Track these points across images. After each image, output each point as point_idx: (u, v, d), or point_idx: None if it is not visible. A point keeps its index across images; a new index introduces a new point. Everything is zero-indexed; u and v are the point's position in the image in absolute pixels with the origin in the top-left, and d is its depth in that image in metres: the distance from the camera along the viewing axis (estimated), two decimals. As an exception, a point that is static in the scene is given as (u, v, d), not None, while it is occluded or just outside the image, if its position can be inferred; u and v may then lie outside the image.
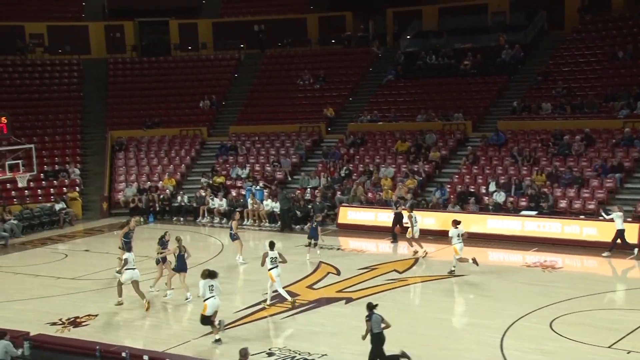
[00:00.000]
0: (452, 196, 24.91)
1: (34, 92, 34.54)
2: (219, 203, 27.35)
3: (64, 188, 29.71)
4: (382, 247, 22.85)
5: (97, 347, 12.40)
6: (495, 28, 33.46)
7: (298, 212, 25.49)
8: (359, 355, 13.44)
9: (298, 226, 25.29)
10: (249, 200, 26.81)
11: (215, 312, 14.38)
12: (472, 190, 25.03)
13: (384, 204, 25.24)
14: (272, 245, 16.43)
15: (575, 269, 20.16)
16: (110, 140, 32.29)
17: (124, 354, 12.03)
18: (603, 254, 20.21)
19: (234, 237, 20.92)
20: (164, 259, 17.88)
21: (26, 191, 28.75)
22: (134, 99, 35.25)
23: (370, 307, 12.52)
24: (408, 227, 21.05)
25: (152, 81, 36.36)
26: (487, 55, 32.13)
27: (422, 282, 18.41)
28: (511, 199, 24.02)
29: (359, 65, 35.15)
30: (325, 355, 13.43)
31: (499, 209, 23.72)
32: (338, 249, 22.60)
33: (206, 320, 14.24)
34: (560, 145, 25.86)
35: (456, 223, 18.95)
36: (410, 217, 21.02)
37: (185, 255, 17.50)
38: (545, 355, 13.15)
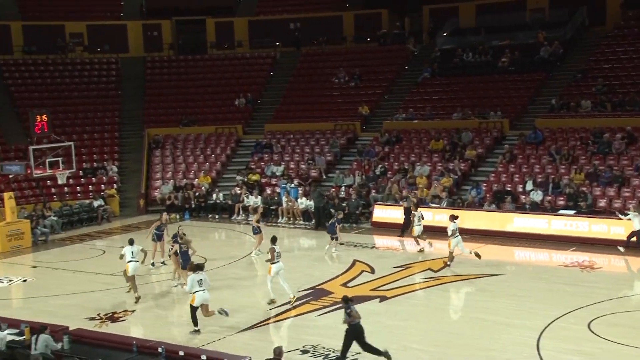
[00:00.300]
0: (487, 195, 24.65)
1: (73, 91, 35.06)
2: (254, 200, 27.46)
3: (102, 185, 30.12)
4: (416, 245, 22.65)
5: (134, 342, 12.50)
6: (534, 25, 32.97)
7: (332, 210, 25.44)
8: (394, 353, 13.37)
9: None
10: (284, 198, 26.87)
11: (205, 305, 14.80)
12: (509, 189, 24.74)
13: (419, 202, 25.04)
14: (274, 240, 16.73)
15: (615, 270, 19.79)
16: (147, 138, 32.65)
17: (160, 349, 12.10)
18: (619, 248, 20.15)
19: (255, 231, 21.41)
20: (176, 252, 18.36)
21: (65, 188, 29.19)
22: (170, 97, 35.58)
23: (346, 299, 12.94)
24: (414, 225, 21.15)
25: (189, 79, 36.65)
26: (525, 53, 31.70)
27: (457, 281, 18.22)
28: (549, 198, 23.68)
29: (394, 63, 34.97)
30: (359, 353, 13.37)
31: (536, 208, 23.41)
32: (372, 247, 22.53)
33: (193, 310, 14.76)
34: (600, 144, 25.40)
35: (453, 218, 19.34)
36: (413, 215, 21.28)
37: (190, 250, 18.01)
38: (583, 356, 12.94)
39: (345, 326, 12.80)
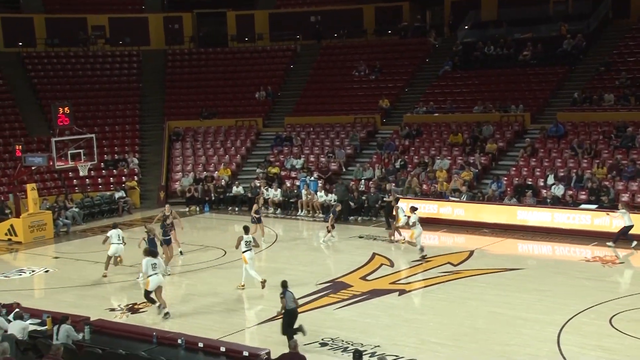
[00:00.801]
0: (508, 189, 24.50)
1: (95, 83, 35.26)
2: (273, 193, 27.50)
3: (123, 177, 30.31)
4: (436, 239, 22.62)
5: (154, 334, 12.57)
6: (557, 17, 32.64)
7: (352, 204, 25.43)
8: (413, 347, 13.38)
9: (352, 217, 25.24)
10: (303, 191, 26.88)
11: (159, 288, 15.46)
12: (530, 182, 24.55)
13: (439, 196, 25.00)
14: (246, 230, 17.32)
15: (637, 264, 19.59)
16: (168, 131, 32.79)
17: (179, 341, 12.17)
18: (608, 244, 20.35)
19: (253, 221, 21.69)
20: (168, 242, 19.10)
21: (87, 180, 29.43)
22: (191, 89, 35.67)
23: (284, 284, 13.60)
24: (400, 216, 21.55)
25: (209, 72, 36.73)
26: (547, 46, 31.36)
27: (477, 275, 18.12)
28: (570, 192, 23.46)
29: (415, 56, 34.79)
30: (378, 346, 13.37)
31: (558, 203, 23.22)
32: (391, 240, 22.46)
33: (147, 294, 15.45)
34: (623, 138, 25.11)
35: (413, 209, 20.26)
36: (396, 208, 21.76)
37: (155, 238, 18.50)
38: (604, 352, 12.82)
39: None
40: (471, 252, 20.30)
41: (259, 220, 22.01)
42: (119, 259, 19.17)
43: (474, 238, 22.27)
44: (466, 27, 34.57)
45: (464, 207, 24.07)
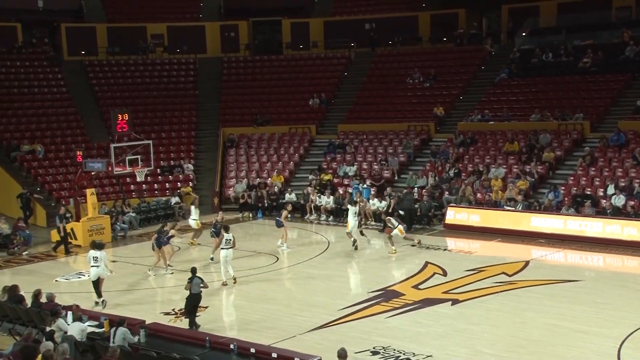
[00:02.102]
0: (566, 198, 23.98)
1: (153, 90, 35.95)
2: (325, 200, 27.53)
3: (178, 183, 30.77)
4: (490, 248, 22.29)
5: (207, 338, 12.72)
6: (620, 24, 31.87)
7: (401, 212, 25.24)
8: (466, 357, 13.21)
9: (404, 226, 25.04)
10: (356, 199, 26.79)
11: (100, 279, 16.92)
12: (589, 192, 23.98)
13: (494, 205, 24.64)
14: (227, 229, 18.62)
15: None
16: (222, 137, 33.19)
17: (232, 346, 12.28)
18: None
19: (279, 224, 22.56)
20: (159, 245, 19.81)
21: (144, 185, 29.98)
22: (245, 96, 36.04)
23: (193, 271, 15.29)
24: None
25: (264, 79, 37.06)
26: (609, 53, 30.65)
27: (532, 285, 17.76)
28: (632, 202, 22.81)
29: (470, 64, 34.44)
30: (430, 356, 13.23)
31: (618, 213, 22.59)
32: (445, 249, 22.25)
33: (94, 284, 16.96)
34: (686, 147, 24.36)
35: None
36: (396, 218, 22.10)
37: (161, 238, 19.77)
38: (666, 369, 12.43)
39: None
40: (526, 263, 19.92)
41: (282, 224, 22.61)
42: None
43: (529, 248, 21.87)
44: (524, 34, 34.06)
45: (518, 217, 23.65)
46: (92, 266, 16.95)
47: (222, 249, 18.46)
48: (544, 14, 34.52)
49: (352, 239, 22.17)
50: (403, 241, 21.94)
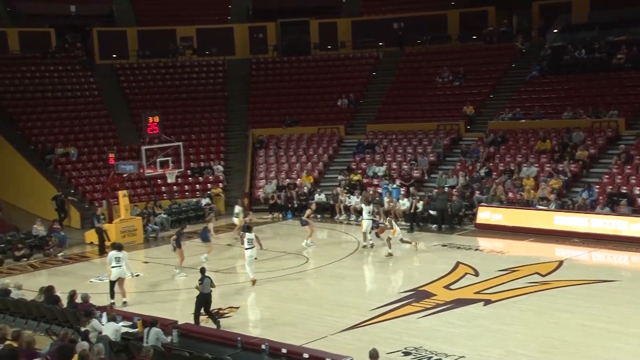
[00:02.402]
0: (600, 197, 23.64)
1: (182, 92, 36.21)
2: (355, 201, 27.49)
3: (209, 184, 30.96)
4: (523, 248, 22.06)
5: (239, 339, 12.78)
6: (654, 18, 31.35)
7: (433, 212, 25.12)
8: (499, 358, 13.10)
9: (434, 225, 24.95)
10: (385, 199, 26.74)
11: (120, 279, 17.32)
12: (624, 191, 23.60)
13: (526, 205, 24.39)
14: (249, 229, 19.07)
15: None
16: (252, 138, 33.32)
17: (263, 346, 12.32)
18: None
19: (303, 223, 23.12)
20: (179, 245, 20.26)
21: (174, 187, 30.22)
22: (274, 97, 36.14)
23: (202, 271, 15.59)
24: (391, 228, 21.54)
25: (292, 80, 37.14)
26: (643, 48, 30.16)
27: (567, 286, 17.53)
28: (668, 201, 22.45)
29: (501, 62, 34.11)
30: (463, 357, 13.14)
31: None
32: (476, 249, 22.08)
33: (111, 284, 17.36)
34: None
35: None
36: (390, 220, 21.81)
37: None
38: None
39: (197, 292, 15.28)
40: (560, 262, 19.69)
41: (306, 223, 23.03)
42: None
43: (563, 248, 21.61)
44: (555, 30, 33.64)
45: (551, 216, 23.38)
46: (113, 267, 17.35)
47: (246, 249, 18.71)
48: (576, 10, 34.04)
49: (369, 239, 22.33)
50: (441, 241, 21.80)
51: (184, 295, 18.30)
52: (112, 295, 17.48)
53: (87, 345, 11.00)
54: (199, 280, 15.41)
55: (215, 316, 15.63)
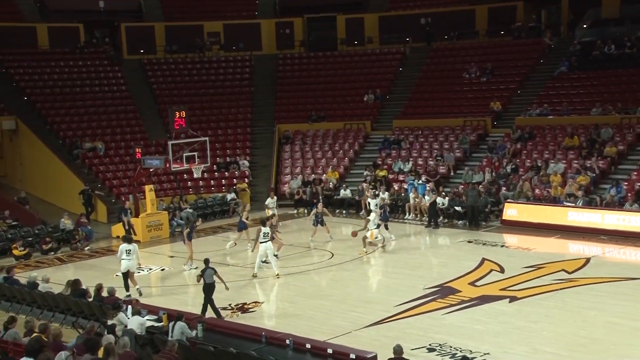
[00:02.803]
0: (629, 194, 23.32)
1: (209, 88, 36.37)
2: (381, 197, 27.36)
3: (234, 179, 31.08)
4: (549, 245, 21.84)
5: (263, 333, 12.82)
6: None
7: (459, 208, 24.95)
8: (525, 356, 13.00)
9: (460, 222, 24.80)
10: (411, 195, 26.64)
11: (130, 272, 17.66)
12: (653, 188, 23.27)
13: (553, 201, 24.14)
14: (263, 223, 19.17)
15: None
16: (278, 134, 33.37)
17: (287, 341, 12.35)
18: None
19: (316, 222, 23.01)
20: (189, 238, 20.50)
21: (200, 182, 30.38)
22: (300, 93, 36.17)
23: (206, 262, 15.88)
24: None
25: (319, 76, 37.11)
26: (675, 44, 29.66)
27: (594, 283, 17.34)
28: (698, 198, 22.07)
29: (529, 57, 33.76)
30: (488, 354, 13.05)
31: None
32: (502, 245, 21.91)
33: (124, 276, 17.72)
34: None
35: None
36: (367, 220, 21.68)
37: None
38: None
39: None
40: (587, 260, 19.47)
41: (321, 223, 22.95)
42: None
43: (590, 245, 21.36)
44: (585, 25, 33.21)
45: (579, 213, 23.12)
46: (123, 259, 17.70)
47: (261, 242, 18.97)
48: (607, 5, 33.55)
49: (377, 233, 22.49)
50: (466, 237, 21.66)
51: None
52: (126, 288, 17.72)
53: (113, 338, 11.11)
54: (201, 271, 15.83)
55: (217, 308, 15.74)
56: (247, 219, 22.71)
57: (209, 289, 15.58)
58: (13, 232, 24.22)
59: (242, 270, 19.84)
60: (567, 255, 20.37)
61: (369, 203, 24.44)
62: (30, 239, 23.90)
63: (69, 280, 16.25)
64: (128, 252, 17.73)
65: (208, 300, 15.54)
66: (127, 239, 18.33)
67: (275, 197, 26.07)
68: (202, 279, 15.69)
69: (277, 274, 18.95)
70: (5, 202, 27.51)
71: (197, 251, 21.98)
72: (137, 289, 17.85)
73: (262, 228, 19.02)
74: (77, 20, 37.36)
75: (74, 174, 29.55)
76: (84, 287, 15.91)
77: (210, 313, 15.38)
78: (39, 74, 34.51)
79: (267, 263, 19.54)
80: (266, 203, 25.69)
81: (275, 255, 20.34)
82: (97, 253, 23.31)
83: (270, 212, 24.79)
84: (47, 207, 29.00)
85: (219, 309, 15.65)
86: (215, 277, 15.67)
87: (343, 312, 16.03)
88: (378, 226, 21.51)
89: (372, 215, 22.04)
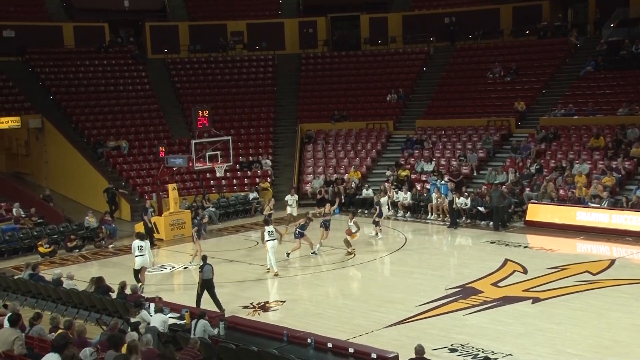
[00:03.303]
0: (655, 196, 23.01)
1: (232, 87, 36.50)
2: (403, 196, 27.34)
3: (257, 178, 31.16)
4: (573, 246, 21.63)
5: (285, 332, 12.84)
6: None
7: (482, 209, 24.79)
8: (548, 357, 12.89)
9: (483, 222, 24.64)
10: (434, 195, 26.52)
11: (143, 268, 17.87)
12: (680, 189, 22.94)
13: (577, 202, 23.89)
14: (266, 222, 20.01)
15: None
16: (300, 133, 33.40)
17: (309, 340, 12.36)
18: None
19: (328, 223, 22.01)
20: (199, 236, 20.89)
21: (223, 181, 30.50)
22: (323, 92, 36.17)
23: (204, 259, 16.22)
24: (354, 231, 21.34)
25: (342, 75, 37.06)
26: None
27: (618, 285, 17.13)
28: None
29: (554, 57, 33.44)
30: (510, 355, 12.96)
31: None
32: (525, 246, 21.74)
33: (135, 272, 17.78)
34: None
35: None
36: (356, 222, 21.38)
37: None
38: None
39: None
40: (612, 261, 19.25)
41: (327, 227, 21.94)
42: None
43: (615, 246, 21.12)
44: (612, 25, 32.82)
45: (604, 214, 22.86)
46: (137, 255, 17.91)
47: (267, 240, 19.18)
48: (635, 4, 33.08)
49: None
50: (489, 238, 21.46)
51: (229, 287, 18.46)
52: (138, 281, 17.75)
53: (136, 335, 11.19)
54: (200, 268, 16.14)
55: (219, 302, 16.04)
56: (270, 212, 22.84)
57: (205, 285, 15.98)
58: (39, 230, 24.52)
59: (262, 269, 19.87)
60: (591, 256, 20.17)
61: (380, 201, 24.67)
62: (55, 236, 24.15)
63: (93, 277, 16.41)
64: (140, 248, 17.98)
65: (200, 292, 16.03)
66: (140, 236, 18.60)
67: (295, 195, 26.08)
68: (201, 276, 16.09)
69: (268, 269, 19.29)
70: (31, 199, 27.86)
71: (216, 249, 22.17)
72: (141, 286, 17.80)
73: (266, 227, 19.44)
74: (102, 19, 37.72)
75: (98, 172, 29.84)
76: (107, 284, 16.06)
77: (213, 308, 15.43)
78: (65, 73, 34.89)
79: (288, 257, 19.99)
80: (285, 199, 25.83)
81: (287, 254, 20.50)
82: (120, 251, 23.50)
83: (288, 210, 24.92)
84: (71, 205, 29.32)
85: (221, 303, 15.91)
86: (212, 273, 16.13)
87: (365, 312, 16.01)
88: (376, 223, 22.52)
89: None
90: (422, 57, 36.98)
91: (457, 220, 24.76)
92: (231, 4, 40.51)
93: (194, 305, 15.43)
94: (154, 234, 24.27)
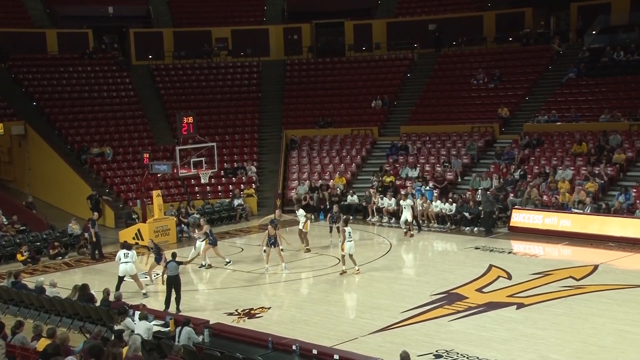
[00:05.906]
0: (637, 201, 23.21)
1: (217, 93, 36.44)
2: (387, 202, 27.39)
3: (242, 185, 31.09)
4: (557, 252, 21.75)
5: (270, 339, 12.81)
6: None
7: (467, 214, 24.90)
8: (531, 364, 12.91)
9: (467, 228, 24.73)
10: (419, 200, 26.58)
11: (134, 274, 18.27)
12: (662, 195, 23.16)
13: (561, 208, 24.05)
14: (346, 222, 19.65)
15: None
16: (285, 139, 33.39)
17: (294, 347, 12.33)
18: None
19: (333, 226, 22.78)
20: (214, 243, 21.00)
21: (208, 187, 30.41)
22: (308, 99, 36.20)
23: (173, 255, 16.85)
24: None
25: (326, 81, 37.12)
26: (684, 50, 29.55)
27: (602, 290, 17.25)
28: None
29: (537, 64, 33.70)
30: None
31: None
32: (509, 252, 21.83)
33: (119, 279, 18.14)
34: None
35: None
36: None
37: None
38: None
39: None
40: (595, 267, 19.37)
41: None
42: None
43: (598, 252, 21.26)
44: (594, 32, 33.12)
45: (586, 220, 23.03)
46: (121, 263, 18.17)
47: (347, 241, 19.29)
48: (616, 11, 33.44)
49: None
50: (474, 243, 21.49)
51: (215, 294, 18.40)
52: (117, 288, 17.74)
53: (139, 339, 11.11)
54: (166, 263, 16.97)
55: (180, 301, 16.58)
56: (278, 217, 22.76)
57: (170, 282, 16.52)
58: (21, 237, 24.30)
59: (247, 275, 19.82)
60: (575, 262, 20.28)
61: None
62: (38, 243, 23.96)
63: (76, 285, 16.28)
64: (126, 255, 18.17)
65: (168, 291, 16.58)
66: (126, 246, 18.67)
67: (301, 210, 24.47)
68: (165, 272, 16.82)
69: (356, 270, 19.61)
70: (14, 206, 27.61)
71: (202, 257, 22.08)
72: (143, 293, 18.03)
73: (346, 229, 19.41)
74: (86, 25, 37.56)
75: (82, 179, 29.65)
76: (91, 292, 15.94)
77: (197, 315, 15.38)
78: (48, 79, 34.69)
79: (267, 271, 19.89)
80: (297, 213, 23.84)
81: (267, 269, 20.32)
82: (104, 258, 23.32)
83: (302, 222, 23.32)
84: (55, 212, 29.08)
85: (180, 303, 16.31)
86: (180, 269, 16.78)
87: (350, 318, 16.00)
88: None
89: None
90: (406, 64, 37.12)
91: (440, 225, 24.81)
92: (216, 10, 40.45)
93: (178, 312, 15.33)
94: (137, 241, 24.13)
